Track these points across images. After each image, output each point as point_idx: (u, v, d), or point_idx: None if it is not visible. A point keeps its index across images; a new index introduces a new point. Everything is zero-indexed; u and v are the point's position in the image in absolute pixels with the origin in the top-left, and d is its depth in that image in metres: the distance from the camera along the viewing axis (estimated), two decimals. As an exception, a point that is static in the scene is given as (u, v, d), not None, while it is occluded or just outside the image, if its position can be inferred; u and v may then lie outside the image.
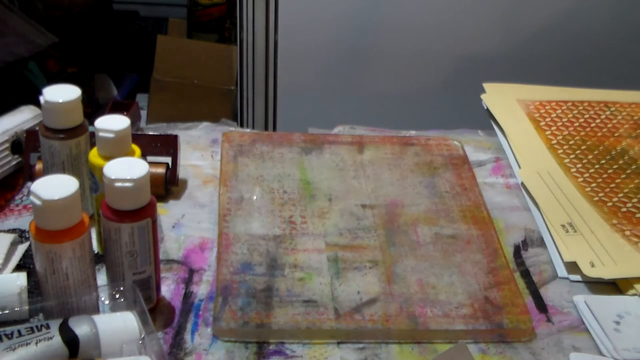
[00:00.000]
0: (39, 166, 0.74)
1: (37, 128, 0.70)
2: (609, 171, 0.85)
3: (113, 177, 0.56)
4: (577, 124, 0.93)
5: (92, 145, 0.65)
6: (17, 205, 0.75)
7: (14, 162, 0.78)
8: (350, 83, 1.64)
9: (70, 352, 0.53)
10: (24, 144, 0.77)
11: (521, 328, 0.64)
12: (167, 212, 0.76)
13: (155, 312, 0.63)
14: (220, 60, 2.07)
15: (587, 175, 0.84)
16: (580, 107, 0.96)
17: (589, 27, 1.33)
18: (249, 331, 0.62)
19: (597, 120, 0.94)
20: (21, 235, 0.71)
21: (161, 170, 0.76)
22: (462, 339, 0.63)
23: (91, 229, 0.58)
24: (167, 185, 0.77)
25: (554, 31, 1.34)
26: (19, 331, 0.53)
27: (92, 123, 0.65)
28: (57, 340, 0.53)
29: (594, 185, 0.82)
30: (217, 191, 0.78)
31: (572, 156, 0.87)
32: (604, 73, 1.34)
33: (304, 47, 1.60)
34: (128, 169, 0.57)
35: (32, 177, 0.74)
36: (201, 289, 0.67)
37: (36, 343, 0.52)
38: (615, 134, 0.91)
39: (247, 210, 0.75)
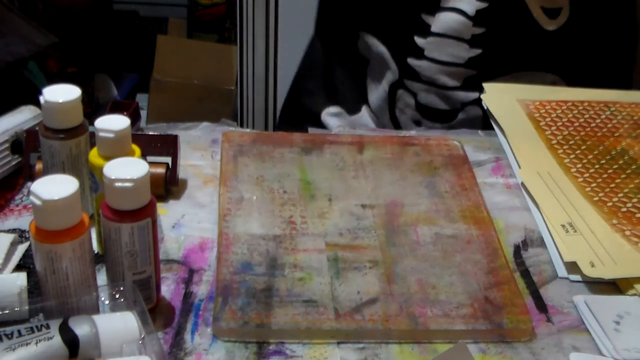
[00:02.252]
0: (39, 166, 0.74)
1: (37, 128, 0.70)
2: (609, 171, 0.85)
3: (113, 177, 0.56)
4: (577, 124, 0.93)
5: (92, 145, 0.65)
6: (17, 205, 0.75)
7: (14, 162, 0.78)
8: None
9: (70, 352, 0.53)
10: (24, 144, 0.77)
11: (521, 328, 0.64)
12: (167, 212, 0.76)
13: (155, 312, 0.63)
14: (220, 60, 2.07)
15: (587, 175, 0.84)
16: (580, 107, 0.96)
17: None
18: (249, 331, 0.62)
19: (597, 120, 0.94)
20: (21, 235, 0.71)
21: (161, 170, 0.76)
22: (462, 339, 0.63)
23: (91, 229, 0.58)
24: (167, 185, 0.77)
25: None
26: (19, 331, 0.53)
27: (92, 123, 0.65)
28: (57, 340, 0.53)
29: (594, 185, 0.82)
30: (217, 191, 0.78)
31: (572, 156, 0.87)
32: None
33: (304, 47, 1.60)
34: (128, 169, 0.57)
35: (32, 177, 0.74)
36: (201, 289, 0.67)
37: (36, 343, 0.52)
38: (615, 134, 0.91)
39: (247, 210, 0.75)
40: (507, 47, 0.97)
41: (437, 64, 0.98)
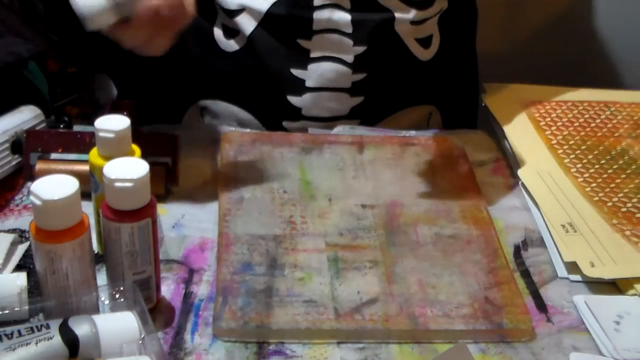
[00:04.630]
0: (39, 166, 0.74)
1: (37, 128, 0.70)
2: (609, 171, 0.85)
3: (113, 177, 0.56)
4: (577, 124, 0.93)
5: (92, 145, 0.65)
6: (17, 205, 0.75)
7: (14, 162, 0.78)
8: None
9: (70, 352, 0.53)
10: (24, 144, 0.77)
11: (521, 328, 0.64)
12: (167, 212, 0.76)
13: (155, 312, 0.63)
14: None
15: (587, 175, 0.84)
16: (580, 107, 0.96)
17: (589, 27, 1.33)
18: (249, 331, 0.62)
19: (597, 120, 0.94)
20: (21, 235, 0.71)
21: (161, 170, 0.76)
22: (462, 339, 0.63)
23: (91, 229, 0.58)
24: (167, 185, 0.77)
25: (554, 31, 1.34)
26: (19, 331, 0.53)
27: (92, 123, 0.65)
28: (57, 340, 0.53)
29: (594, 185, 0.82)
30: (217, 191, 0.78)
31: (572, 156, 0.87)
32: (604, 73, 1.34)
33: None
34: (128, 169, 0.57)
35: (32, 177, 0.74)
36: (201, 289, 0.67)
37: (36, 343, 0.52)
38: (615, 134, 0.91)
39: (247, 210, 0.75)
40: (388, 88, 0.91)
41: (318, 121, 0.90)
